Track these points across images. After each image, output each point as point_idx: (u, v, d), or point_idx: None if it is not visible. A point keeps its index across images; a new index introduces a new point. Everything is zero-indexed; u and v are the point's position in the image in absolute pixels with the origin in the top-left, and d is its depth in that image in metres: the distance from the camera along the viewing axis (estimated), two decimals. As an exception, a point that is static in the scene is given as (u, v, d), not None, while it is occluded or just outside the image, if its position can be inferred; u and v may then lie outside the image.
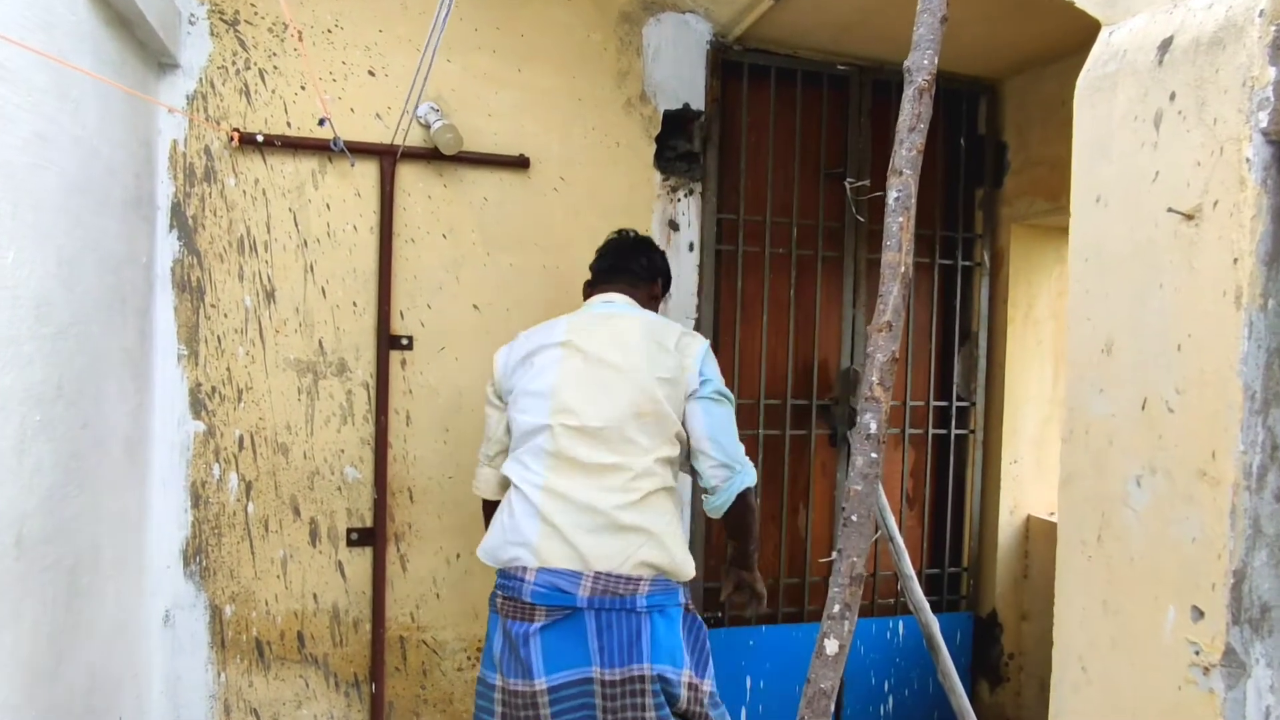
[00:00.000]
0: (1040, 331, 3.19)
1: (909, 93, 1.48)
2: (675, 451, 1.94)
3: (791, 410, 3.03)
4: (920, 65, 1.47)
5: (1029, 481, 3.21)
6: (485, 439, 2.11)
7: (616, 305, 2.07)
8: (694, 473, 2.00)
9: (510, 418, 1.99)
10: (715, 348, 2.94)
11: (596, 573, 1.79)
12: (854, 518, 1.47)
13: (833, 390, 3.07)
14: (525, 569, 1.82)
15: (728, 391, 2.01)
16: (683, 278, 2.90)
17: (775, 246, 2.99)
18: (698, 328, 2.91)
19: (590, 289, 2.18)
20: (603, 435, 1.86)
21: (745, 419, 2.99)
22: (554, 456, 1.87)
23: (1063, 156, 2.96)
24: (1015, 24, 2.68)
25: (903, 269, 1.49)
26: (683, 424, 1.94)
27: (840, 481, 3.08)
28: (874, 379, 1.47)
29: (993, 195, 3.20)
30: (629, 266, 2.17)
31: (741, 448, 1.99)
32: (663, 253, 2.29)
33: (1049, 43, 2.80)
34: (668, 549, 1.84)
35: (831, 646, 1.42)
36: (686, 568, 1.88)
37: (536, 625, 1.80)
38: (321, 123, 2.03)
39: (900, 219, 1.48)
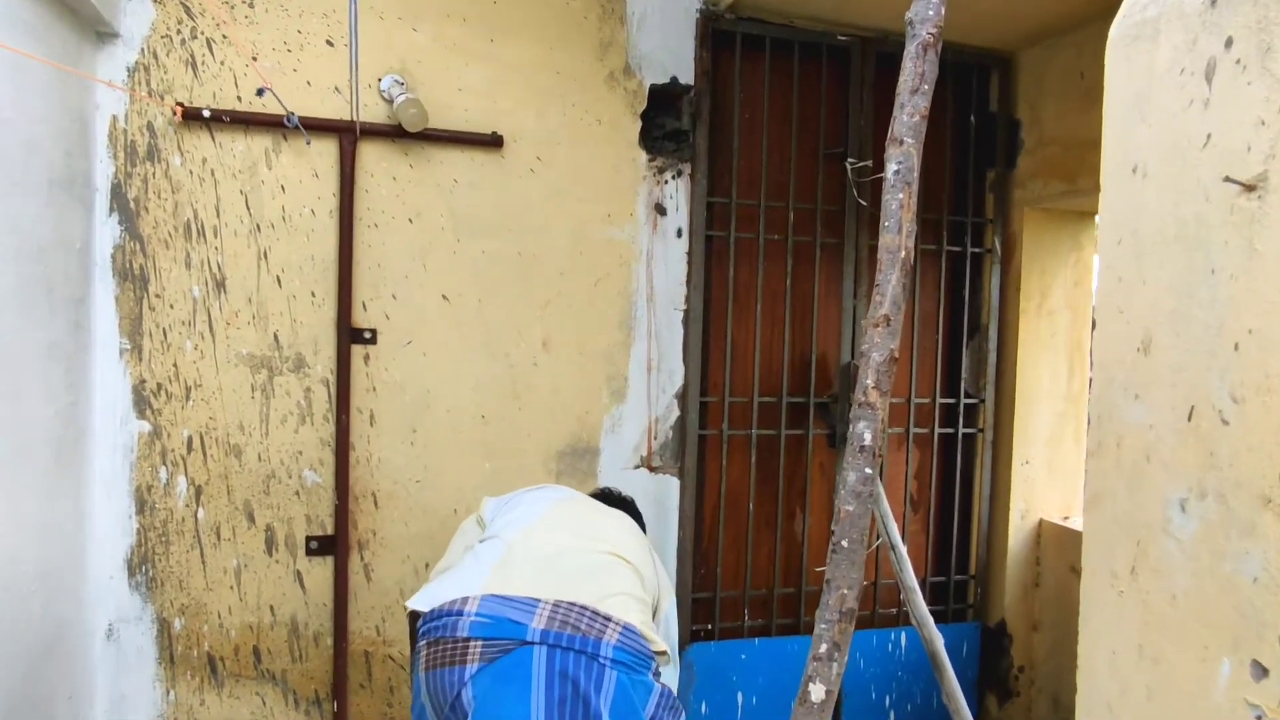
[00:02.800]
0: (1055, 323, 2.98)
1: (911, 49, 1.27)
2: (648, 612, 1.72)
3: (788, 408, 2.82)
4: (924, 16, 1.27)
5: (1041, 483, 3.00)
6: (444, 561, 1.92)
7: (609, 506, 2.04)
8: None
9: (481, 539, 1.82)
10: (705, 341, 2.75)
11: (559, 601, 1.49)
12: (844, 543, 1.27)
13: (832, 387, 2.86)
14: (466, 599, 1.50)
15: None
16: (671, 266, 2.70)
17: (770, 232, 2.78)
18: (687, 319, 2.70)
19: None
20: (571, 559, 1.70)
21: (738, 418, 2.80)
22: (513, 545, 1.71)
23: (1081, 135, 2.78)
24: (1031, -11, 2.46)
25: (903, 254, 1.28)
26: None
27: (839, 484, 2.88)
28: (869, 381, 1.27)
29: (1005, 177, 2.98)
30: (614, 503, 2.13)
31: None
32: (634, 505, 2.24)
33: (1067, 10, 2.58)
34: (642, 619, 1.59)
35: (817, 692, 1.22)
36: (659, 640, 1.60)
37: (471, 670, 1.42)
38: (260, 93, 1.82)
39: (900, 196, 1.28)
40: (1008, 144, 2.98)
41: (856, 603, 1.24)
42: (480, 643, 1.44)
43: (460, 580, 1.60)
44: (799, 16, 2.73)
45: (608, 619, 1.50)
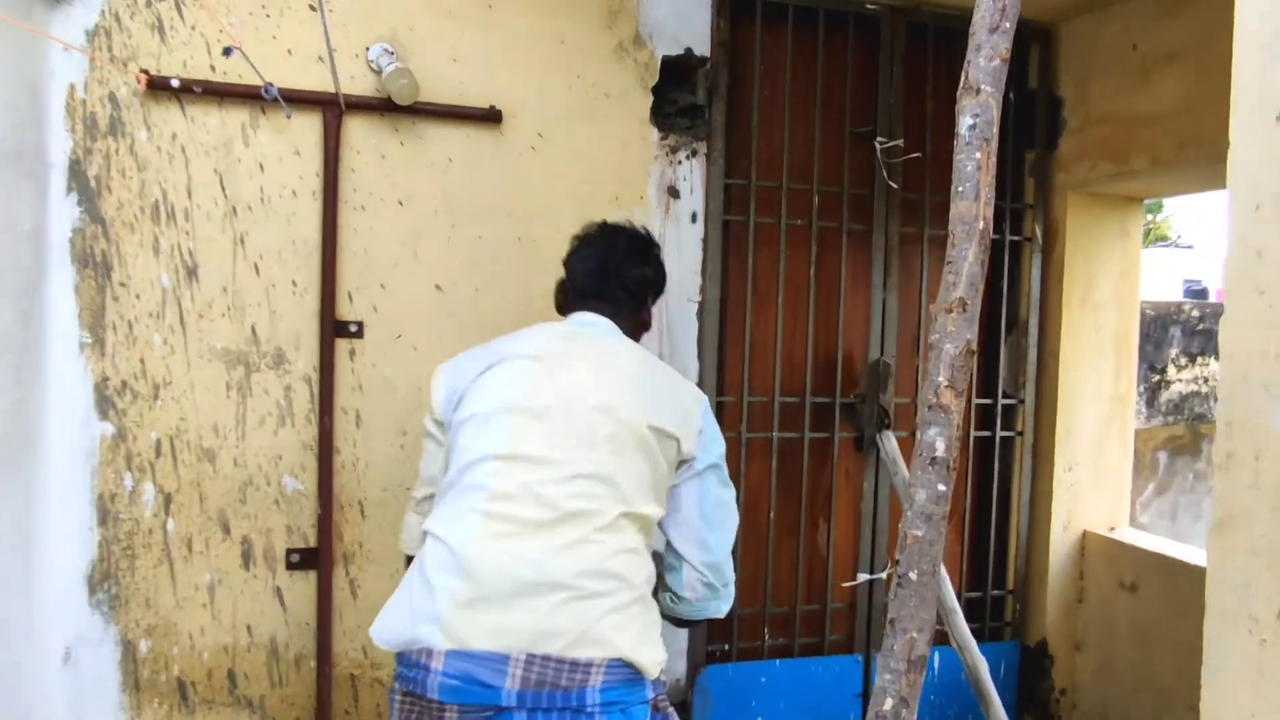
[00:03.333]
0: (1100, 318, 2.75)
1: (991, -27, 1.05)
2: (659, 513, 1.51)
3: (811, 409, 2.60)
4: (1007, -64, 1.05)
5: (1086, 491, 2.78)
6: (419, 479, 1.67)
7: (601, 329, 1.65)
8: (659, 563, 1.55)
9: (451, 448, 1.52)
10: (722, 336, 2.53)
11: (530, 655, 1.30)
12: (913, 575, 1.04)
13: (859, 385, 2.64)
14: (430, 653, 1.32)
15: (729, 481, 1.60)
16: (685, 253, 2.48)
17: (793, 217, 2.55)
18: (702, 312, 2.48)
19: (564, 304, 1.74)
20: (567, 471, 1.41)
21: (758, 419, 2.57)
22: (496, 500, 1.40)
23: (1135, 112, 2.53)
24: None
25: (981, 224, 1.06)
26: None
27: (866, 491, 2.66)
28: (941, 378, 1.05)
29: (1046, 159, 2.76)
30: (613, 293, 1.67)
31: (732, 563, 1.59)
32: (658, 254, 1.78)
33: (1120, -26, 2.36)
34: (633, 632, 1.38)
35: (881, 759, 1.01)
36: (656, 658, 1.41)
37: None
38: (227, 53, 1.61)
39: (978, 155, 1.05)
40: (1049, 123, 2.75)
41: (928, 648, 1.02)
42: (455, 709, 1.31)
43: (413, 611, 1.37)
44: (825, -18, 2.51)
45: (589, 665, 1.32)
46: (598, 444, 1.42)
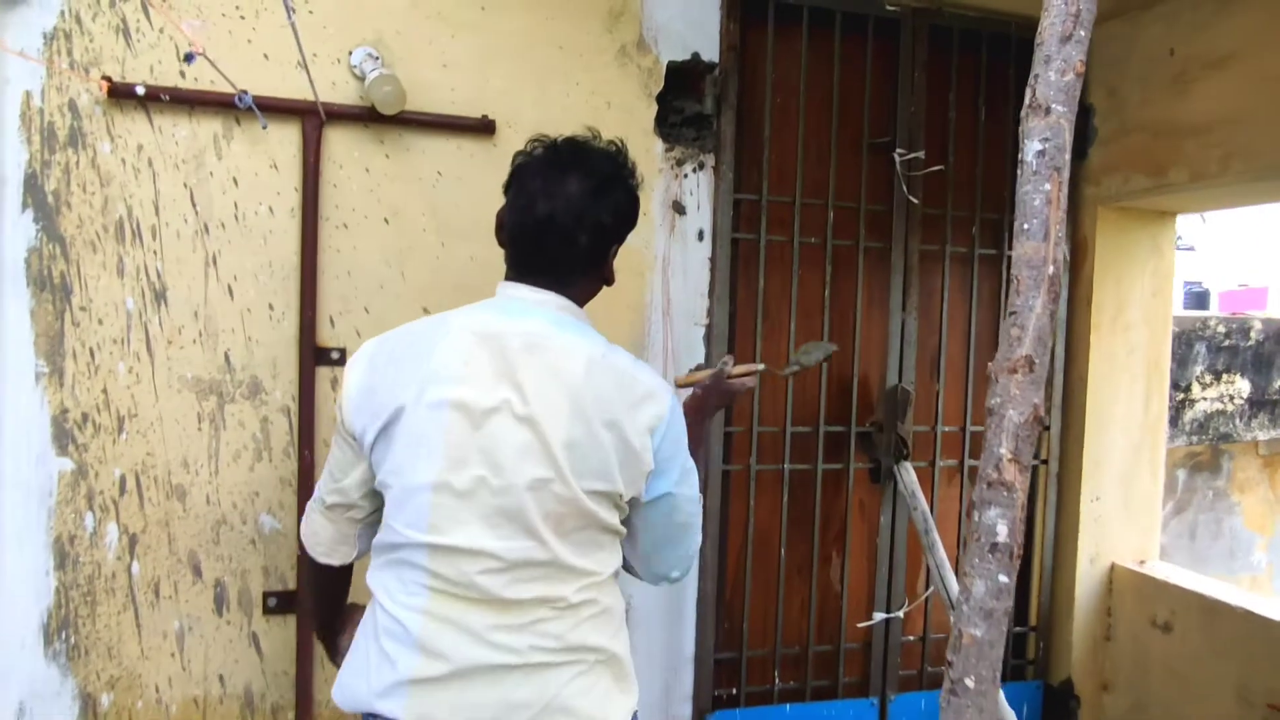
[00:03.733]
0: (1131, 340, 2.60)
1: (1064, -25, 0.90)
2: (618, 541, 1.36)
3: (825, 439, 2.44)
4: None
5: (1114, 523, 2.62)
6: (328, 481, 1.39)
7: (546, 319, 1.30)
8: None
9: (380, 488, 1.33)
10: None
11: None
12: (969, 682, 0.88)
13: (875, 413, 2.48)
14: None
15: (694, 496, 1.40)
16: (691, 274, 2.32)
17: (806, 235, 2.39)
18: (709, 337, 2.32)
19: (506, 254, 1.40)
20: (507, 559, 1.25)
21: (767, 451, 2.42)
22: (440, 580, 1.25)
23: (1174, 120, 2.35)
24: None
25: (1051, 270, 0.90)
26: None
27: (883, 525, 2.50)
28: (1003, 450, 0.89)
29: (1075, 171, 2.60)
30: (570, 247, 1.32)
31: (693, 555, 1.46)
32: (623, 173, 1.41)
33: (1159, -25, 2.20)
34: (599, 691, 1.29)
35: None
36: (625, 707, 1.32)
37: None
38: (188, 59, 1.45)
39: (1047, 187, 0.90)
40: (1078, 133, 2.58)
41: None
42: None
43: (372, 683, 1.27)
44: (842, -17, 2.35)
45: None
46: (535, 527, 1.24)
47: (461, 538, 1.23)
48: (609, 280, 1.47)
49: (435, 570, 1.25)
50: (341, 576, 1.48)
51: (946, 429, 2.55)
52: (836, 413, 2.46)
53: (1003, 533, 0.88)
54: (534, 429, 1.24)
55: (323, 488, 1.40)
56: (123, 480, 1.96)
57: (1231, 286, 13.33)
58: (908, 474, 2.39)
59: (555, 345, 1.28)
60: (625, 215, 1.40)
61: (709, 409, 1.73)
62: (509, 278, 1.39)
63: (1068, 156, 0.90)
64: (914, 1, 2.43)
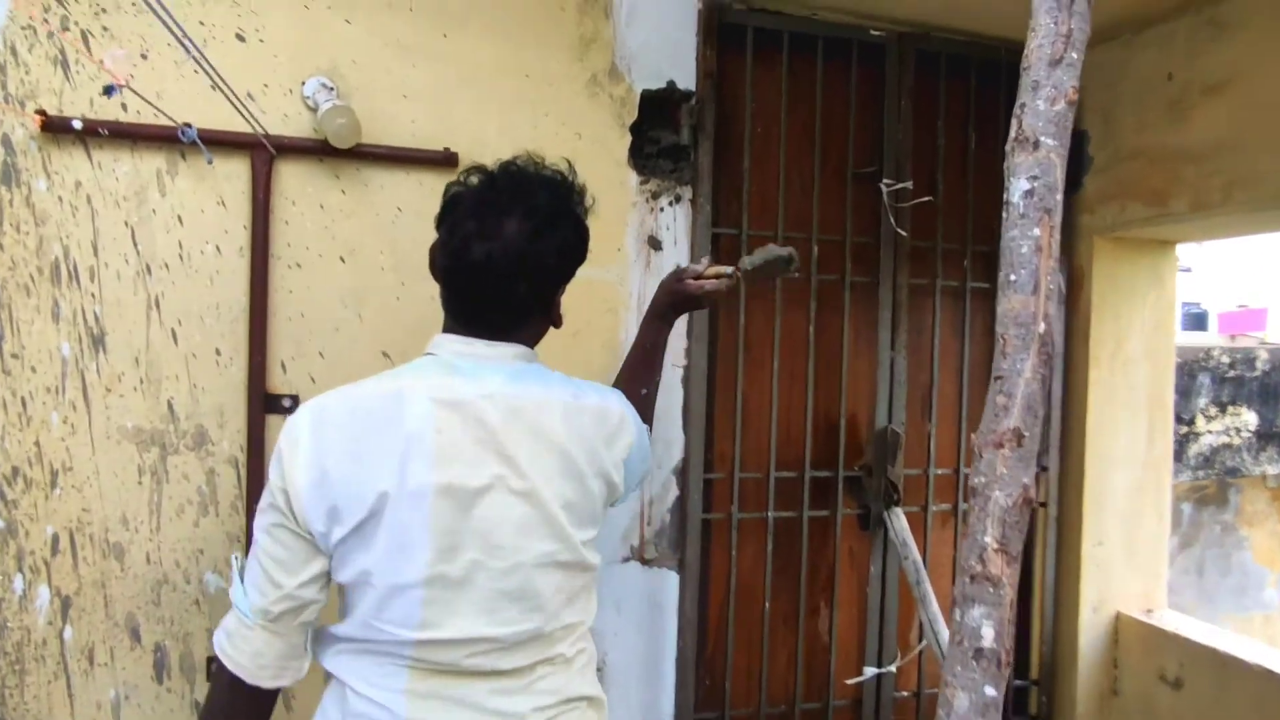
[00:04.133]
0: (1132, 375, 2.47)
1: (1050, -9, 0.79)
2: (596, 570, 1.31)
3: (811, 484, 2.31)
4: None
5: (1118, 569, 2.48)
6: (265, 584, 1.14)
7: (494, 370, 1.20)
8: None
9: (342, 586, 1.18)
10: (710, 404, 2.24)
11: None
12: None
13: (864, 456, 2.35)
14: None
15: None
16: (667, 311, 2.20)
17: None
18: (687, 378, 2.20)
19: (445, 303, 1.29)
20: (507, 640, 1.16)
21: (750, 497, 2.29)
22: (426, 663, 1.15)
23: (1170, 148, 2.22)
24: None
25: (1042, 327, 0.78)
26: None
27: (873, 575, 2.36)
28: (989, 539, 0.76)
29: (1069, 200, 2.49)
30: (498, 309, 1.22)
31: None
32: (570, 206, 1.31)
33: (1153, -3, 2.10)
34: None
35: None
36: None
37: None
38: (109, 92, 1.33)
39: (1036, 232, 0.78)
40: (1072, 160, 2.48)
41: None
42: None
43: None
44: (823, 6, 2.25)
45: None
46: (544, 604, 1.16)
47: (455, 630, 1.12)
48: (556, 322, 1.36)
49: (419, 656, 1.14)
50: (273, 699, 1.23)
51: (939, 471, 2.42)
52: (823, 456, 2.33)
53: (988, 636, 0.75)
54: (533, 501, 1.15)
55: (261, 596, 1.14)
56: (55, 539, 1.83)
57: (1230, 307, 13.22)
58: (899, 521, 2.26)
59: (528, 403, 1.18)
60: (573, 252, 1.30)
61: (670, 317, 1.63)
62: (447, 328, 1.29)
63: (1059, 196, 0.79)
64: (900, 26, 2.33)
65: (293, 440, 1.13)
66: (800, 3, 2.24)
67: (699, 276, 1.57)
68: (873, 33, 2.29)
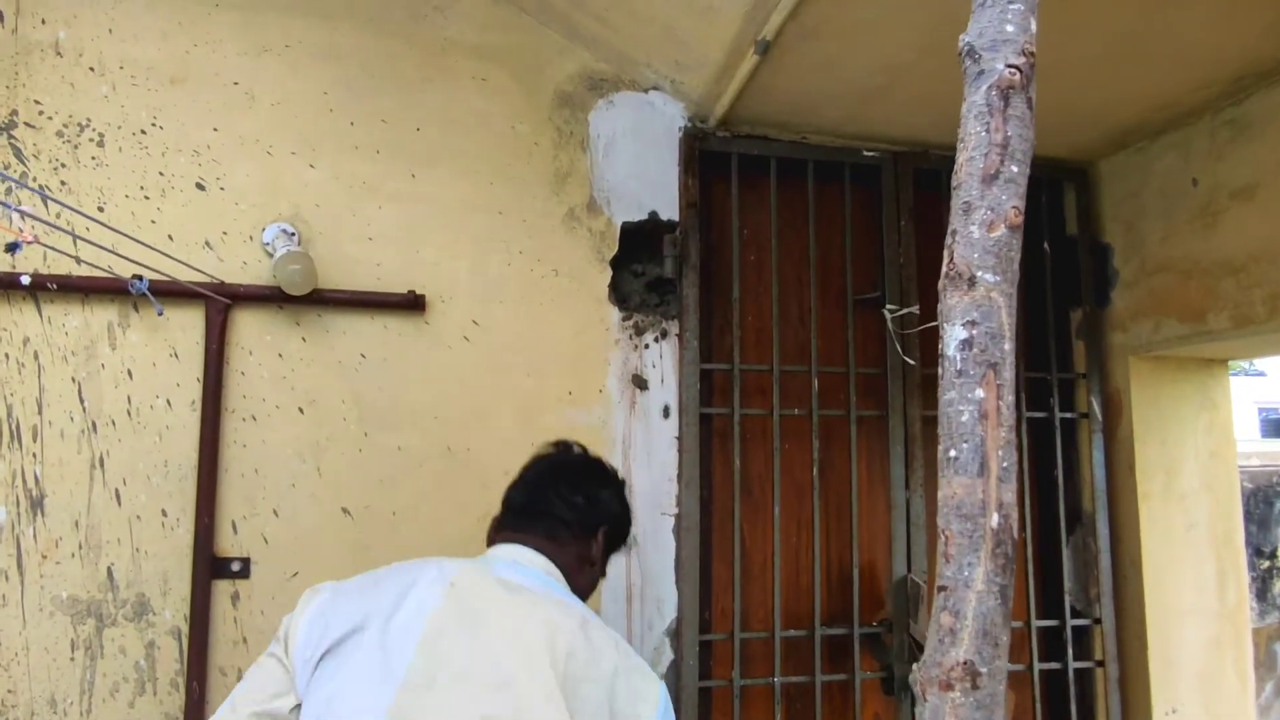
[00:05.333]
0: (1190, 510, 2.19)
1: (977, 96, 0.63)
2: None
3: (824, 644, 2.04)
4: (997, 36, 0.63)
5: (1197, 740, 2.13)
6: (243, 693, 1.13)
7: (524, 573, 1.24)
8: None
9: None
10: (706, 556, 2.03)
11: None
12: None
13: (883, 610, 2.09)
14: None
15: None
16: (656, 456, 2.02)
17: (788, 406, 2.09)
18: (679, 528, 1.99)
19: (494, 532, 1.39)
20: None
21: (754, 660, 2.03)
22: None
23: (1201, 258, 1.97)
24: (1116, 79, 1.85)
25: (995, 519, 0.59)
26: None
27: (907, 750, 2.05)
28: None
29: (1096, 317, 2.28)
30: (551, 508, 1.35)
31: None
32: (619, 484, 1.46)
33: (1165, 101, 1.95)
34: None
35: None
36: None
37: None
38: (12, 249, 1.25)
39: (979, 393, 0.60)
40: (1097, 275, 2.29)
41: None
42: None
43: None
44: (811, 129, 2.15)
45: None
46: None
47: None
48: (593, 562, 1.37)
49: None
50: None
51: (975, 626, 2.13)
52: (836, 611, 2.07)
53: None
54: (507, 676, 1.09)
55: (243, 711, 1.11)
56: (-24, 726, 1.66)
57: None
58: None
59: (535, 598, 1.19)
60: (616, 504, 1.42)
61: None
62: (501, 535, 1.36)
63: (1008, 346, 0.61)
64: (895, 146, 2.22)
65: (314, 589, 1.20)
66: (787, 127, 2.14)
67: None
68: (866, 153, 2.18)
